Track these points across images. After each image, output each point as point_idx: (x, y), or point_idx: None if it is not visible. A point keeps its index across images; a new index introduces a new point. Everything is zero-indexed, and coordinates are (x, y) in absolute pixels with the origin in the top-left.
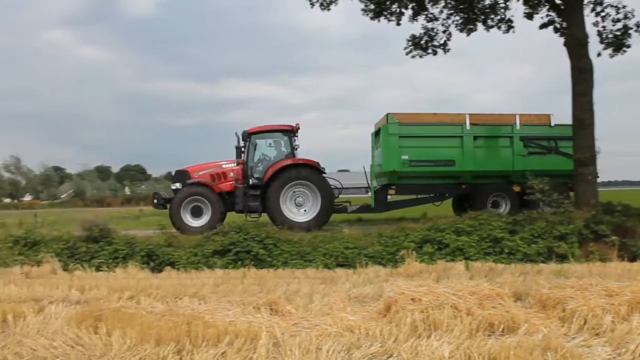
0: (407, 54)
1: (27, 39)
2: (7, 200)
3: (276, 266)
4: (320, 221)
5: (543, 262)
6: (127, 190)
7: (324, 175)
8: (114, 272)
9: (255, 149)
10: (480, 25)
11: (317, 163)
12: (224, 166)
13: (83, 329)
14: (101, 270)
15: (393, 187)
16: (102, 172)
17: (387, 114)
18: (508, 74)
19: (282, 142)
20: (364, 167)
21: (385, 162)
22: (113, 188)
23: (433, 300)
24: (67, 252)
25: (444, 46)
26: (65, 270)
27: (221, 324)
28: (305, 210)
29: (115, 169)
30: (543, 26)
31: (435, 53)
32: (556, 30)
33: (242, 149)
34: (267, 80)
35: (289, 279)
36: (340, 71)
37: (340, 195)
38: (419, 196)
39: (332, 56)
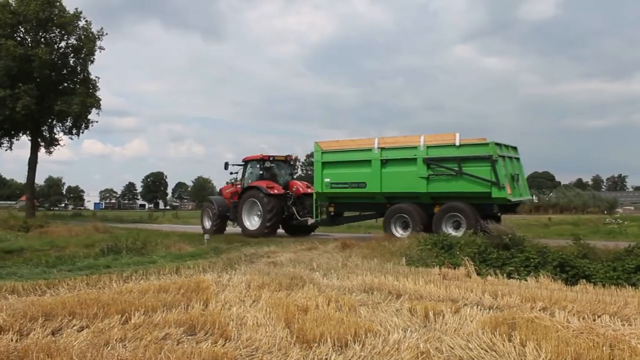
0: None
1: (435, 58)
2: None
3: None
4: (261, 230)
5: None
6: (534, 198)
7: (270, 194)
8: (525, 280)
9: (245, 173)
10: None
11: (269, 186)
12: (237, 186)
13: (497, 335)
14: (512, 278)
15: (332, 205)
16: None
17: (314, 142)
18: None
19: (255, 168)
20: None
21: (315, 184)
22: None
23: None
24: (479, 257)
25: None
26: (478, 274)
27: None
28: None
29: None
30: None
31: None
32: None
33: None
34: None
35: None
36: None
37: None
38: (361, 213)
39: None
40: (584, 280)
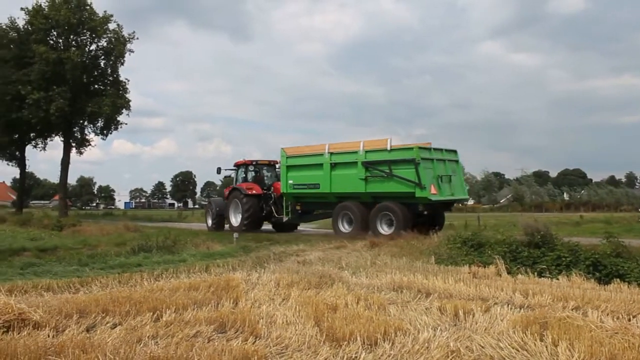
0: None
1: (462, 55)
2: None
3: None
4: (240, 227)
5: None
6: (565, 196)
7: (247, 195)
8: (557, 279)
9: (237, 176)
10: None
11: (248, 187)
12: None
13: (528, 335)
14: (543, 277)
15: (299, 204)
16: (540, 177)
17: (281, 148)
18: None
19: (242, 172)
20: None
21: (281, 185)
22: (551, 193)
23: None
24: (510, 256)
25: None
26: (508, 273)
27: None
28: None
29: (553, 173)
30: None
31: None
32: None
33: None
34: None
35: None
36: None
37: None
38: (324, 211)
39: None
40: (618, 280)
